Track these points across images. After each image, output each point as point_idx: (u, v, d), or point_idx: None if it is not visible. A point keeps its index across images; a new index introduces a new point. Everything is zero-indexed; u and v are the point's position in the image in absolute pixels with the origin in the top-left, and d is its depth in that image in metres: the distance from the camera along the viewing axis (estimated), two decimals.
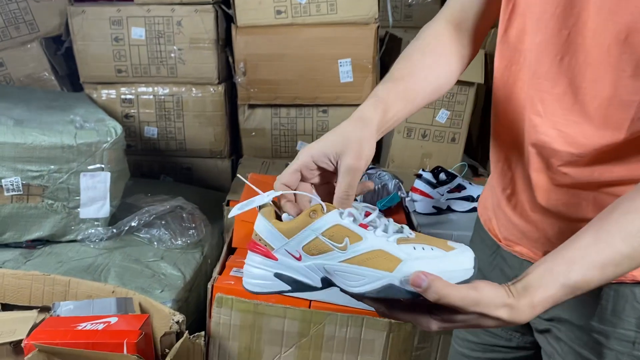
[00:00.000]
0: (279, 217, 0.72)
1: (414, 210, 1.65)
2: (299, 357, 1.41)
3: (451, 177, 1.64)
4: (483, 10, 0.87)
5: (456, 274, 0.66)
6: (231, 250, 1.62)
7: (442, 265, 0.66)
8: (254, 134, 2.39)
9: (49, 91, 2.25)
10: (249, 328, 1.40)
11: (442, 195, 1.62)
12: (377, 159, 2.40)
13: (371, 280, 0.66)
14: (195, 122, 2.31)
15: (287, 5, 2.17)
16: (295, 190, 0.73)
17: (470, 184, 1.67)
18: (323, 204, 0.68)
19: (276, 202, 0.73)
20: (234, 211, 0.72)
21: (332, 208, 0.68)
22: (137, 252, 1.70)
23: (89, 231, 1.70)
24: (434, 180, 1.61)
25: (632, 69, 0.66)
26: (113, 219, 1.76)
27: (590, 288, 0.64)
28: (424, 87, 0.85)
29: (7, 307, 1.38)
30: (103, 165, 1.65)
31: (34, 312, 1.31)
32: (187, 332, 1.26)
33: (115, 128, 1.70)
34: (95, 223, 1.71)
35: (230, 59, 2.26)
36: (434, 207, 1.64)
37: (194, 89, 2.27)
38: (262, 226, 0.70)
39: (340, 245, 0.67)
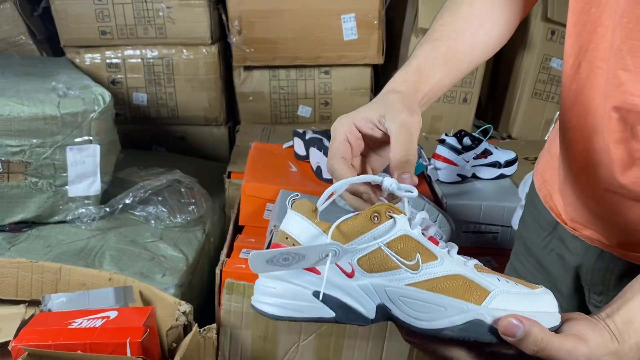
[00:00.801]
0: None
1: (437, 180, 1.51)
2: (319, 345, 1.29)
3: (477, 141, 1.49)
4: None
5: (543, 317, 0.52)
6: (238, 229, 1.47)
7: (530, 305, 0.53)
8: (251, 98, 2.27)
9: (27, 56, 2.08)
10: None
11: (468, 162, 1.48)
12: None
13: (452, 314, 0.52)
14: (188, 86, 2.17)
15: None
16: (358, 174, 0.58)
17: (496, 148, 1.53)
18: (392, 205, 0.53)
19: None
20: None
21: (400, 212, 0.53)
22: (133, 233, 1.57)
23: (79, 211, 1.57)
24: (458, 146, 1.47)
25: None
26: (105, 197, 1.63)
27: None
28: (474, 45, 0.73)
29: None
30: (91, 137, 1.52)
31: (22, 308, 1.18)
32: (196, 325, 1.13)
33: (102, 95, 1.55)
34: (86, 202, 1.58)
35: (224, 17, 2.12)
36: (458, 174, 1.50)
37: (185, 50, 2.13)
38: (299, 227, 0.53)
39: (410, 264, 0.52)
